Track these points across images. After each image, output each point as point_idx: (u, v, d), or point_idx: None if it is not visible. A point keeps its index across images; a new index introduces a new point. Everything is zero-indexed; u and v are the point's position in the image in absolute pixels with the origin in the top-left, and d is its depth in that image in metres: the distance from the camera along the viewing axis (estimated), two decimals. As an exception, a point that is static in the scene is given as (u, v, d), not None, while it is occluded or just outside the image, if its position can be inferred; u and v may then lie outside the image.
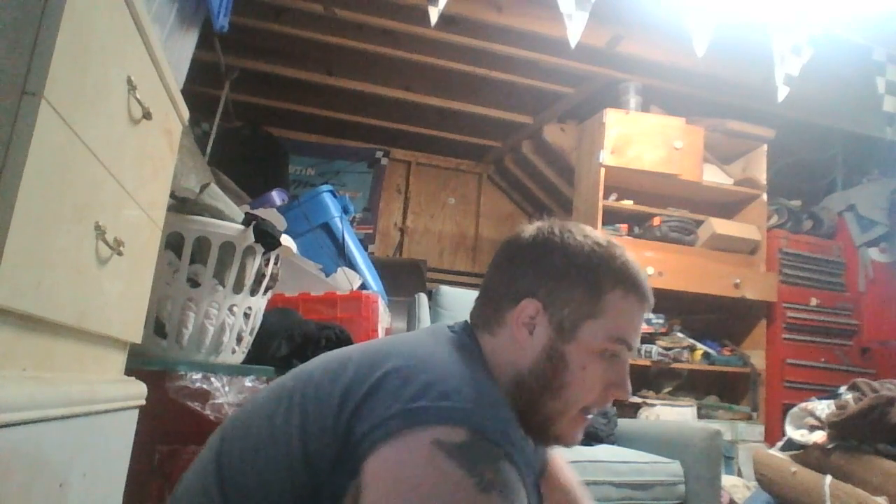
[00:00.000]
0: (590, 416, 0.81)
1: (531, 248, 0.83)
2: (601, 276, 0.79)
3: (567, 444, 0.81)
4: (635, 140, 3.18)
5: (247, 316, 1.56)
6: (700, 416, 3.08)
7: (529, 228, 0.86)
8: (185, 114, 1.20)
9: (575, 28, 2.16)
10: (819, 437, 1.92)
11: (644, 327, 3.08)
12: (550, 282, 0.80)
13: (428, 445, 0.60)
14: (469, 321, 0.87)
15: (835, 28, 2.45)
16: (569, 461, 1.82)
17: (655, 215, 3.25)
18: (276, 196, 2.50)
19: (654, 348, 3.06)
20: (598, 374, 0.78)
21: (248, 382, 1.43)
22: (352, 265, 2.33)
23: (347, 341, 1.68)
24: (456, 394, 0.65)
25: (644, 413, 2.94)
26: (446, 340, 0.79)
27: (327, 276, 2.16)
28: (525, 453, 0.72)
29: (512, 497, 0.61)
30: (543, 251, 0.82)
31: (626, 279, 0.80)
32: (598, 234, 0.85)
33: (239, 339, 1.55)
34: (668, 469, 1.94)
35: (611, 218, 3.23)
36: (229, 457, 0.74)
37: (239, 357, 1.56)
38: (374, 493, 0.60)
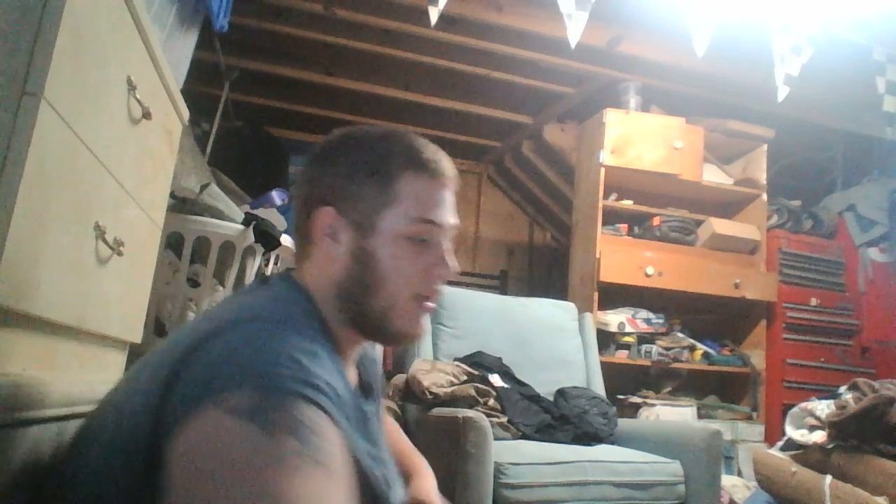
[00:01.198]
0: (429, 304, 0.79)
1: (319, 156, 0.82)
2: (388, 162, 0.78)
3: (412, 336, 0.80)
4: (635, 140, 3.18)
5: (247, 316, 1.56)
6: (700, 416, 3.07)
7: (321, 140, 0.84)
8: (185, 114, 1.20)
9: (575, 28, 2.16)
10: (819, 437, 1.92)
11: (644, 327, 3.10)
12: (340, 182, 0.78)
13: (214, 418, 0.56)
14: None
15: (835, 28, 2.45)
16: (569, 461, 1.83)
17: (655, 215, 3.24)
18: (276, 196, 2.50)
19: (654, 348, 3.05)
20: (412, 259, 0.77)
21: (248, 382, 1.43)
22: (352, 265, 2.32)
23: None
24: (239, 352, 0.61)
25: (644, 413, 2.94)
26: (251, 290, 0.79)
27: (327, 275, 2.16)
28: (339, 386, 0.66)
29: (308, 435, 0.56)
30: (329, 155, 0.81)
31: (413, 159, 0.78)
32: (386, 126, 0.83)
33: (239, 339, 1.55)
34: (668, 469, 1.94)
35: (611, 218, 3.22)
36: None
37: (239, 357, 1.56)
38: (178, 484, 0.55)
